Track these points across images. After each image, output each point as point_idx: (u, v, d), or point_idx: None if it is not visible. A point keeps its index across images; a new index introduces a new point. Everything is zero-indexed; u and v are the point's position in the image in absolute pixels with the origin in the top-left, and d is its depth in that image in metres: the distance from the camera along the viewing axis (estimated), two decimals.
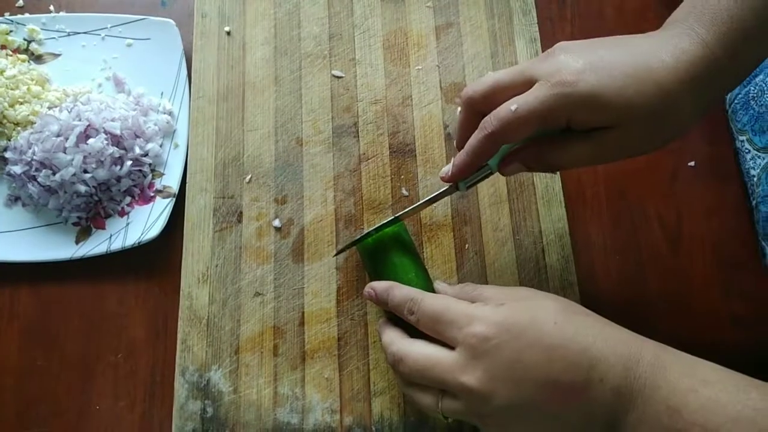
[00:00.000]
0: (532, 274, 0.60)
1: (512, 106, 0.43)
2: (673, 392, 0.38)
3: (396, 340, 0.47)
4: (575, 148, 0.44)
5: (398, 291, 0.49)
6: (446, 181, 0.50)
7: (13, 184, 0.62)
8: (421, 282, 0.52)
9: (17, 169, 0.60)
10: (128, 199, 0.62)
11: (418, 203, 0.54)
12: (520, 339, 0.41)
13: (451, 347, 0.44)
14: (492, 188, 0.62)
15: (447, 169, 0.49)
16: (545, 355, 0.40)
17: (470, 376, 0.41)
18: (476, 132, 0.45)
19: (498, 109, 0.44)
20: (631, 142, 0.43)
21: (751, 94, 0.63)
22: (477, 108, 0.47)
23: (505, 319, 0.42)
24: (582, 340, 0.41)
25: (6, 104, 0.61)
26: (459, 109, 0.49)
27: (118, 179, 0.61)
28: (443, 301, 0.46)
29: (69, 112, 0.61)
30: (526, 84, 0.44)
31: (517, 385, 0.40)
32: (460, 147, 0.49)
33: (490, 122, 0.44)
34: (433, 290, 0.52)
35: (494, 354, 0.41)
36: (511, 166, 0.48)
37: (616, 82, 0.41)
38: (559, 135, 0.45)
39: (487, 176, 0.50)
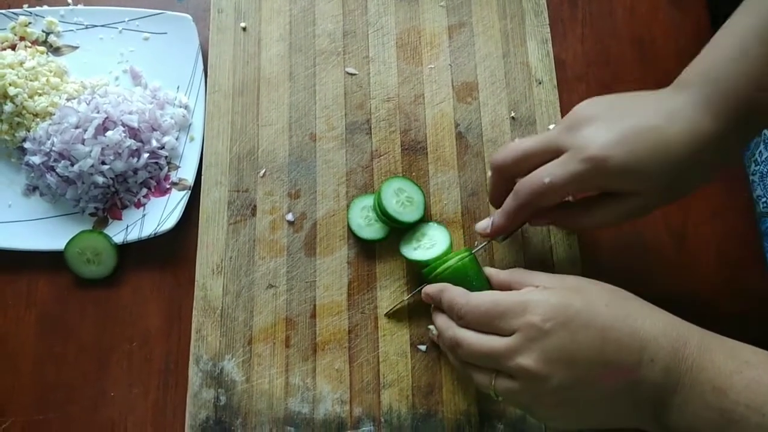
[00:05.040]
0: (540, 271, 0.61)
1: (545, 178, 0.47)
2: (719, 373, 0.41)
3: (450, 327, 0.49)
4: (602, 213, 0.49)
5: (446, 295, 0.51)
6: (485, 237, 0.55)
7: (32, 174, 0.63)
8: None
9: (36, 160, 0.61)
10: (144, 190, 0.63)
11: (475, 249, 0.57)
12: (575, 321, 0.43)
13: (506, 335, 0.45)
14: None
15: (485, 224, 0.54)
16: (599, 336, 0.42)
17: (527, 357, 0.43)
18: (511, 199, 0.50)
19: (530, 178, 0.48)
20: (653, 202, 0.47)
21: None
22: (507, 173, 0.52)
23: (559, 302, 0.44)
24: (633, 322, 0.43)
25: (25, 95, 0.62)
26: (489, 172, 0.54)
27: (135, 171, 0.63)
28: (489, 297, 0.47)
29: (87, 105, 0.62)
30: (553, 153, 0.48)
31: (572, 365, 0.42)
32: (493, 203, 0.55)
33: (524, 192, 0.48)
34: None
35: (550, 336, 0.43)
36: (540, 221, 0.53)
37: (641, 156, 0.44)
38: (582, 200, 0.50)
39: (519, 227, 0.55)
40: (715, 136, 0.44)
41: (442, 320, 0.51)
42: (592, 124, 0.46)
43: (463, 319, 0.48)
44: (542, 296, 0.45)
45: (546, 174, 0.47)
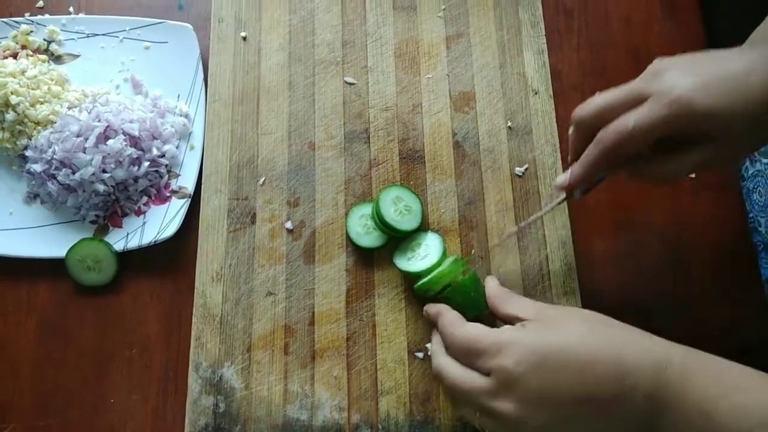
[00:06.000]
0: (536, 279, 0.62)
1: (629, 122, 0.46)
2: (704, 398, 0.41)
3: (439, 354, 0.50)
4: (681, 160, 0.48)
5: (441, 319, 0.51)
6: (564, 190, 0.53)
7: (33, 182, 0.64)
8: None
9: (37, 168, 0.62)
10: (145, 198, 0.64)
11: (538, 214, 0.58)
12: (550, 360, 0.43)
13: (484, 374, 0.45)
14: (498, 196, 0.64)
15: (563, 178, 0.52)
16: (576, 371, 0.43)
17: (503, 402, 0.43)
18: (593, 145, 0.49)
19: (615, 124, 0.47)
20: (734, 149, 0.48)
21: None
22: (589, 126, 0.50)
23: (532, 343, 0.44)
24: (610, 352, 0.43)
25: (27, 104, 0.63)
26: (571, 128, 0.53)
27: (136, 179, 0.63)
28: (472, 332, 0.47)
29: (88, 113, 0.63)
30: (636, 102, 0.47)
31: (552, 405, 0.42)
32: (573, 158, 0.53)
33: (608, 137, 0.47)
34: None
35: (523, 379, 0.43)
36: (619, 172, 0.52)
37: (726, 100, 0.44)
38: (663, 148, 0.49)
39: (600, 182, 0.53)
40: None
41: (435, 345, 0.51)
42: (674, 70, 0.46)
43: (450, 349, 0.49)
44: (517, 336, 0.45)
45: (630, 119, 0.46)
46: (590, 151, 0.49)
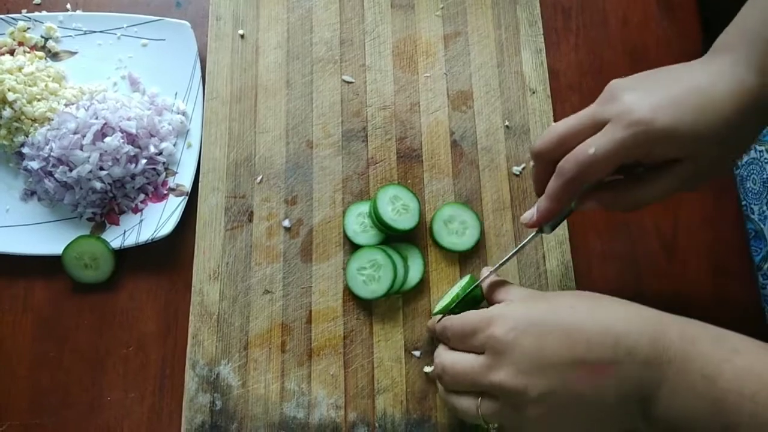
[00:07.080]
0: (533, 278, 0.62)
1: (590, 149, 0.44)
2: (707, 362, 0.40)
3: (441, 352, 0.50)
4: (651, 186, 0.47)
5: (440, 324, 0.52)
6: (531, 227, 0.51)
7: (30, 179, 0.64)
8: None
9: (34, 165, 0.62)
10: (142, 196, 0.64)
11: (507, 256, 0.55)
12: (538, 327, 0.43)
13: (479, 353, 0.46)
14: (495, 195, 0.64)
15: (529, 215, 0.51)
16: (566, 337, 0.42)
17: (500, 373, 0.43)
18: (555, 178, 0.47)
19: (574, 152, 0.46)
20: (702, 170, 0.46)
21: None
22: (549, 158, 0.49)
23: (521, 312, 0.45)
24: (602, 318, 0.43)
25: (24, 101, 0.63)
26: (531, 162, 0.51)
27: (133, 177, 0.63)
28: (467, 315, 0.48)
29: (86, 110, 0.62)
30: (595, 127, 0.45)
31: (544, 372, 0.42)
32: (538, 193, 0.51)
33: (569, 167, 0.46)
34: None
35: (516, 346, 0.43)
36: (588, 204, 0.50)
37: (688, 118, 0.43)
38: (629, 175, 0.48)
39: (568, 215, 0.51)
40: (761, 91, 0.44)
41: (437, 349, 0.52)
42: (632, 92, 0.45)
43: (449, 341, 0.49)
44: (506, 309, 0.46)
45: (590, 145, 0.44)
46: (553, 184, 0.47)
